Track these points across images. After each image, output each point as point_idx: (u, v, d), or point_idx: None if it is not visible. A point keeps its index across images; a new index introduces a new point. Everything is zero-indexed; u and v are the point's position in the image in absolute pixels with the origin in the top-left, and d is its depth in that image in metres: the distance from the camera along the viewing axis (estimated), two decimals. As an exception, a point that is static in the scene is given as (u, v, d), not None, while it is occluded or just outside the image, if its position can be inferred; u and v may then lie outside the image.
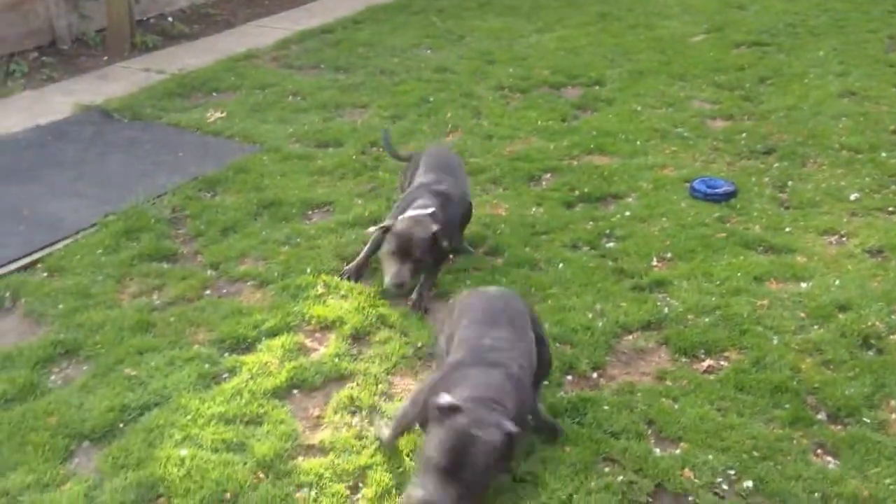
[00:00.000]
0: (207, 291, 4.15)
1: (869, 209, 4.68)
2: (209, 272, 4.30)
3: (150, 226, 4.68)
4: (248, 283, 4.20)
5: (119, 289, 4.14)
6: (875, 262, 4.18)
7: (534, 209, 4.92)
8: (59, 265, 4.30)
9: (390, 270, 3.96)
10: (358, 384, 3.45)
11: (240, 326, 3.78)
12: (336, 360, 3.59)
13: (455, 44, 8.01)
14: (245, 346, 3.69)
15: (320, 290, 4.08)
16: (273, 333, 3.75)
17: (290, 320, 3.84)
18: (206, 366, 3.52)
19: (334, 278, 4.17)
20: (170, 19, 8.88)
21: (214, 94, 6.81)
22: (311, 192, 5.13)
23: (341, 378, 3.51)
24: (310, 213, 4.94)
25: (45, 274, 4.25)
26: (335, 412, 3.30)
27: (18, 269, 4.28)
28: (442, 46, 7.93)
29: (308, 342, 3.74)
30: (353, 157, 5.58)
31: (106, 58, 7.78)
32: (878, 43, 7.47)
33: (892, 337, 3.63)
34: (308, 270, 4.23)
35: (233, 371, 3.51)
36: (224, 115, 6.30)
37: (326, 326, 3.84)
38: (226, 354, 3.63)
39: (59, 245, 4.50)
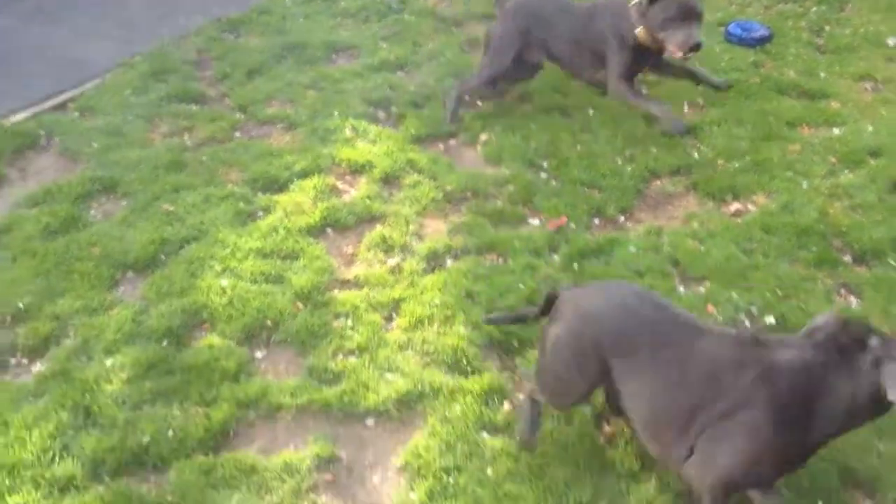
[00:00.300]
0: (237, 133, 4.17)
1: (909, 55, 4.55)
2: (237, 114, 4.31)
3: (177, 67, 4.65)
4: (277, 126, 4.21)
5: (150, 129, 4.17)
6: (911, 109, 4.11)
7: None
8: (89, 105, 4.32)
9: (679, 35, 3.63)
10: (389, 224, 3.52)
11: (271, 167, 3.82)
12: (367, 201, 3.65)
13: None
14: (278, 186, 3.75)
15: (348, 133, 4.09)
16: (304, 175, 3.79)
17: (321, 162, 3.87)
18: (241, 204, 3.59)
19: (362, 122, 4.16)
20: None
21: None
22: (335, 35, 5.03)
23: (373, 219, 3.58)
24: (334, 56, 4.86)
25: (77, 114, 4.28)
26: (368, 250, 3.39)
27: (50, 109, 4.30)
28: None
29: (339, 184, 3.79)
30: (379, -1, 5.43)
31: None
32: None
33: (922, 182, 3.62)
34: (336, 114, 4.22)
35: (267, 209, 3.59)
36: (243, -45, 6.08)
37: (357, 170, 3.87)
38: (259, 193, 3.69)
39: (89, 85, 4.49)
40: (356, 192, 3.73)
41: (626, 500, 2.32)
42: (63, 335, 2.96)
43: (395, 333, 2.99)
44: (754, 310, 3.05)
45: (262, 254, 3.32)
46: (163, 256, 3.32)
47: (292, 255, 3.33)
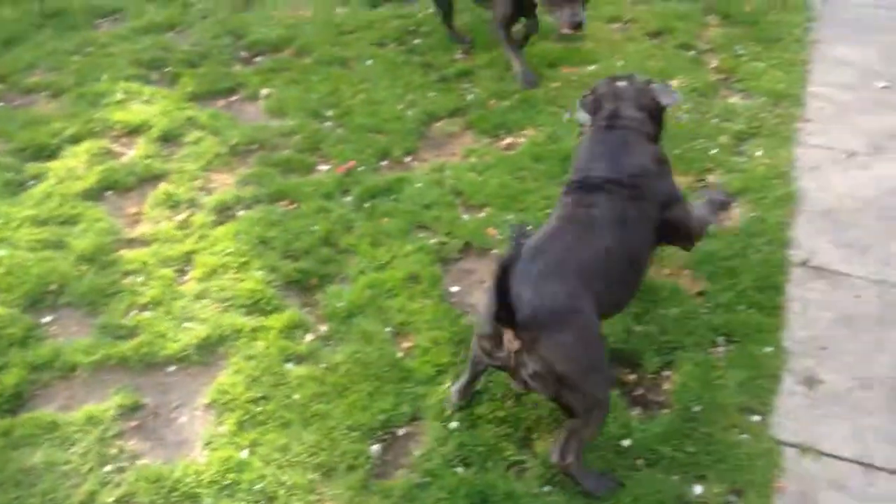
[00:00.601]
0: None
1: (649, -4, 5.04)
2: (-4, 85, 4.01)
3: (-86, 40, 4.23)
4: (42, 94, 3.98)
5: None
6: (653, 44, 4.56)
7: (339, 9, 4.89)
8: None
9: (566, 13, 3.82)
10: (173, 181, 3.45)
11: (39, 134, 3.62)
12: (147, 161, 3.56)
13: None
14: (47, 153, 3.56)
15: (120, 96, 3.94)
16: (76, 140, 3.62)
17: (93, 126, 3.71)
18: (9, 174, 3.39)
19: (134, 84, 4.02)
20: None
21: None
22: (97, -1, 4.79)
23: (155, 178, 3.50)
24: (98, 21, 4.65)
25: None
26: (153, 208, 3.31)
27: None
28: None
29: (115, 147, 3.66)
30: (141, -41, 5.20)
31: None
32: None
33: (665, 107, 4.06)
34: (104, 77, 4.05)
35: (38, 177, 3.41)
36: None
37: (133, 131, 3.75)
38: (28, 162, 3.48)
39: None
40: (134, 152, 3.62)
41: (426, 401, 2.49)
42: None
43: (190, 285, 2.96)
44: (529, 227, 3.30)
45: (38, 221, 3.15)
46: (-73, 233, 3.06)
47: (71, 221, 3.19)
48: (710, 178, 3.61)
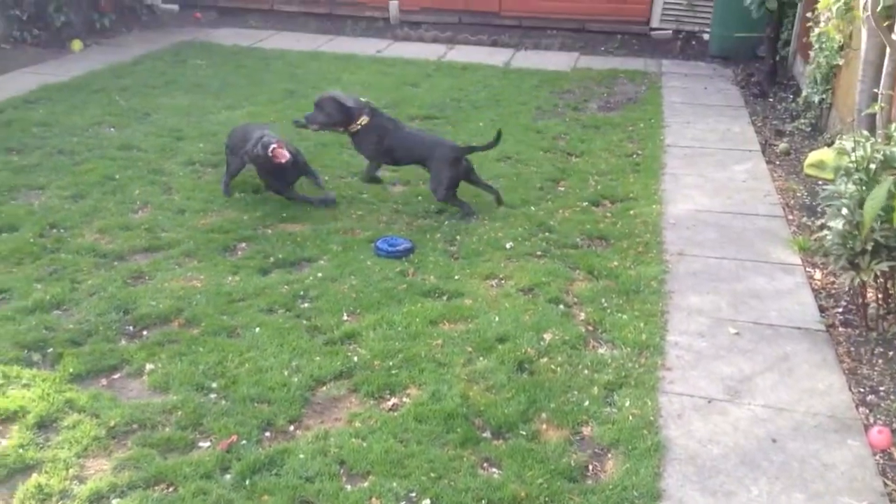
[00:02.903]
0: None
1: (521, 254, 5.45)
2: None
3: None
4: (-88, 385, 3.86)
5: None
6: (526, 299, 4.89)
7: (230, 278, 5.07)
8: None
9: None
10: (46, 472, 3.35)
11: None
12: (20, 450, 3.46)
13: (140, 121, 7.94)
14: None
15: (-2, 381, 3.88)
16: (-57, 438, 3.50)
17: (-36, 415, 3.61)
18: None
19: (14, 368, 3.99)
20: None
21: None
22: (-17, 281, 4.83)
23: (27, 468, 3.39)
24: (-18, 302, 4.65)
25: None
26: (22, 503, 3.17)
27: None
28: (127, 124, 7.83)
29: (-14, 437, 3.55)
30: (31, 240, 5.34)
31: None
32: (527, 113, 8.69)
33: (541, 360, 4.29)
34: (-17, 363, 4.00)
35: None
36: None
37: (7, 418, 3.67)
38: None
39: None
40: (7, 442, 3.52)
41: None
42: None
43: (52, 591, 2.79)
44: (413, 495, 3.33)
45: None
46: None
47: (-74, 527, 3.01)
48: (585, 430, 3.76)
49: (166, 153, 7.13)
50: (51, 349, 4.21)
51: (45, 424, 3.65)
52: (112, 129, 7.68)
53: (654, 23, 12.20)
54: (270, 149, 5.81)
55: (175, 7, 12.93)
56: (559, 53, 11.40)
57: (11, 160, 6.74)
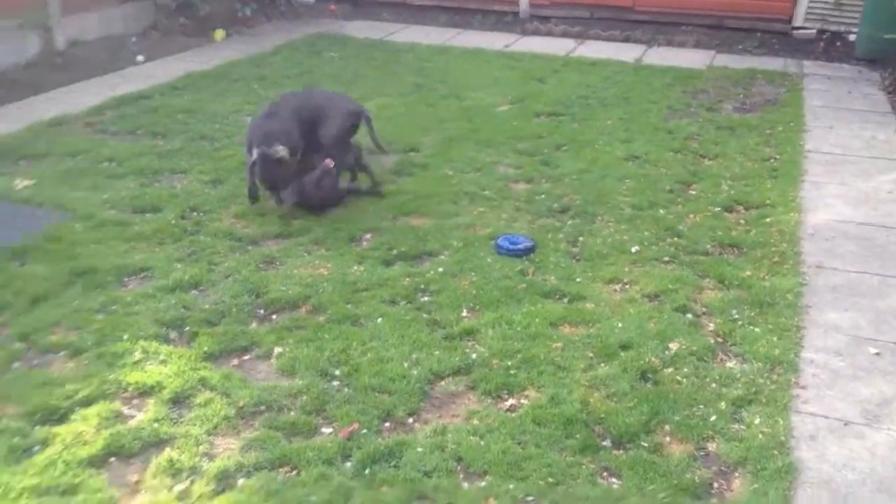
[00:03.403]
0: (16, 364, 4.05)
1: (647, 259, 5.30)
2: (18, 344, 4.20)
3: (-48, 298, 4.51)
4: (61, 353, 4.14)
5: (-83, 366, 3.96)
6: (652, 306, 4.75)
7: (355, 268, 5.17)
8: None
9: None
10: (178, 447, 3.51)
11: (51, 397, 3.73)
12: (155, 424, 3.64)
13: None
14: (57, 417, 3.65)
15: (138, 356, 4.10)
16: (87, 402, 3.73)
17: (106, 388, 3.84)
18: (16, 439, 3.46)
19: (153, 344, 4.20)
20: (-28, 84, 8.50)
21: (22, 161, 6.62)
22: (128, 258, 5.12)
23: (160, 442, 3.55)
24: (126, 279, 4.92)
25: None
26: (154, 476, 3.34)
27: None
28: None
29: (125, 409, 3.75)
30: (173, 221, 5.63)
31: None
32: (658, 112, 8.44)
33: (666, 370, 4.15)
34: (125, 337, 4.24)
35: (45, 442, 3.47)
36: (33, 182, 6.14)
37: (145, 392, 3.87)
38: (37, 427, 3.57)
39: None
40: (143, 415, 3.71)
41: None
42: None
43: (182, 562, 2.92)
44: (530, 499, 3.29)
45: (38, 492, 3.18)
46: (-78, 504, 3.10)
47: (71, 490, 3.21)
48: (710, 446, 3.61)
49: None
50: (187, 328, 4.41)
51: (179, 400, 3.83)
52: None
53: (798, 21, 11.59)
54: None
55: (311, -1, 13.33)
56: (694, 51, 11.03)
57: (157, 145, 7.12)
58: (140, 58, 9.99)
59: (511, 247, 5.40)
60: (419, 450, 3.56)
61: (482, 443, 3.62)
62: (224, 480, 3.34)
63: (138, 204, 5.87)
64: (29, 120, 7.53)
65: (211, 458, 3.48)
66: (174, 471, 3.36)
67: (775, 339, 4.31)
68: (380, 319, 4.58)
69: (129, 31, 10.86)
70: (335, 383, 4.04)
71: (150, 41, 10.75)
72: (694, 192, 6.40)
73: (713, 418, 3.77)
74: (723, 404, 3.86)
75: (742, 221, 5.86)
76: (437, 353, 4.28)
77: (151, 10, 11.18)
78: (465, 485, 3.38)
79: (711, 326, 4.53)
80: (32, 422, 3.59)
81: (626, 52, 10.83)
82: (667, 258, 5.31)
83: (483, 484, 3.38)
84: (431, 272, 5.13)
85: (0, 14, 9.12)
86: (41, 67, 9.35)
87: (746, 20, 11.69)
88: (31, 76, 9.03)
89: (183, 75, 9.25)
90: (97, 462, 3.38)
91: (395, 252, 5.40)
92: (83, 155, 6.73)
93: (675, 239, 5.59)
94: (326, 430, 3.72)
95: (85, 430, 3.54)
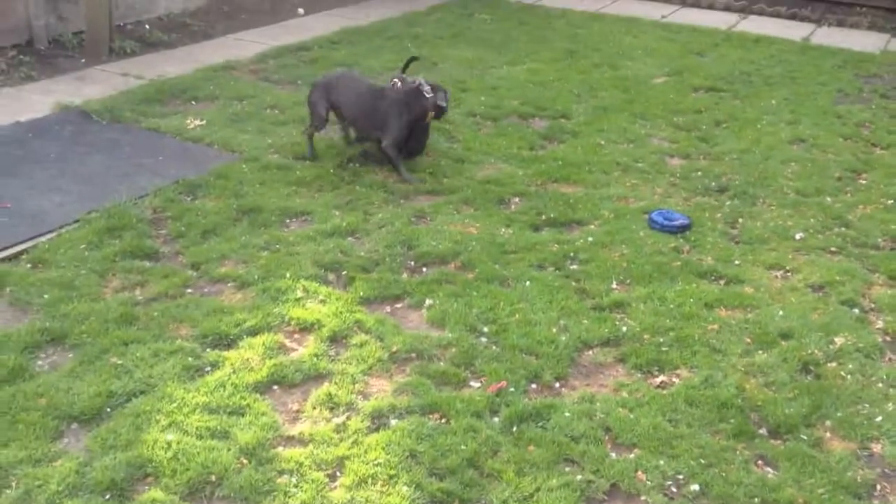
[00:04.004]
0: (189, 290, 4.30)
1: (812, 248, 5.04)
2: (190, 272, 4.46)
3: (132, 225, 4.82)
4: (229, 284, 4.36)
5: (102, 283, 4.27)
6: (816, 297, 4.52)
7: (503, 230, 5.18)
8: (42, 257, 4.42)
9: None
10: (335, 383, 3.64)
11: (221, 324, 3.95)
12: (315, 359, 3.78)
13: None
14: (227, 342, 3.86)
15: (299, 294, 4.27)
16: (254, 332, 3.92)
17: (271, 321, 4.02)
18: (190, 359, 3.68)
19: (313, 283, 4.36)
20: (147, 26, 9.00)
21: (193, 102, 6.97)
22: (290, 201, 5.32)
23: (319, 377, 3.70)
24: (288, 221, 5.12)
25: (29, 265, 4.36)
26: (314, 407, 3.49)
27: (2, 260, 4.38)
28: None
29: (287, 342, 3.93)
30: (331, 170, 5.79)
31: (84, 60, 7.86)
32: (827, 95, 7.97)
33: (829, 364, 3.96)
34: (288, 275, 4.42)
35: (215, 365, 3.68)
36: (203, 122, 6.46)
37: (305, 328, 4.03)
38: (208, 349, 3.79)
39: (43, 238, 4.61)
40: (304, 349, 3.87)
41: None
42: (5, 485, 2.92)
43: (339, 493, 3.04)
44: (680, 477, 3.22)
45: (209, 409, 3.38)
46: (109, 409, 3.35)
47: (238, 411, 3.40)
48: (875, 447, 3.43)
49: (450, 103, 7.36)
50: (344, 272, 4.55)
51: (336, 339, 3.97)
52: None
53: None
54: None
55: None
56: (867, 33, 10.34)
57: (316, 95, 7.31)
58: (301, 10, 10.29)
59: (666, 222, 5.25)
60: (566, 414, 3.55)
61: (631, 416, 3.57)
62: (378, 419, 3.45)
63: (299, 151, 6.07)
64: (199, 63, 7.91)
65: (366, 396, 3.59)
66: (332, 404, 3.49)
67: (955, 343, 4.03)
68: (528, 283, 4.57)
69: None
70: (483, 339, 4.08)
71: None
72: (864, 182, 6.03)
73: (879, 419, 3.57)
74: (890, 406, 3.65)
75: (919, 217, 5.47)
76: (585, 322, 4.24)
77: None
78: (613, 455, 3.35)
79: (880, 324, 4.27)
80: (204, 345, 3.81)
81: (793, 30, 10.27)
82: (833, 248, 5.04)
83: (632, 456, 3.34)
84: (581, 241, 5.07)
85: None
86: (209, 14, 9.80)
87: (931, 3, 10.82)
88: (199, 22, 9.47)
89: (339, 30, 9.46)
90: (262, 388, 3.56)
91: (543, 217, 5.37)
92: (248, 100, 7.02)
93: (843, 229, 5.29)
94: (475, 383, 3.76)
95: (251, 357, 3.73)
